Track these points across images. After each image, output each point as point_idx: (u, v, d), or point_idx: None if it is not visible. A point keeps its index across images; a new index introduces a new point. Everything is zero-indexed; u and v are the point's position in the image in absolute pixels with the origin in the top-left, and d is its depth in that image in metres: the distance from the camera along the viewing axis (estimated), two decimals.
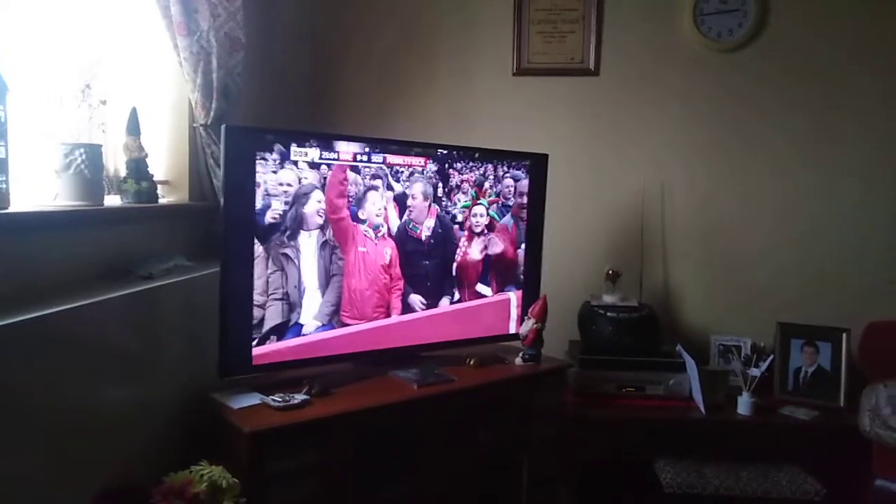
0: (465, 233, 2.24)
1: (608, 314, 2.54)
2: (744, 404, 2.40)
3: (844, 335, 2.51)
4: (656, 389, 2.47)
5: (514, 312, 2.39)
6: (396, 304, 2.10)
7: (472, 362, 2.18)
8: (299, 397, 1.74)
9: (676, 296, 2.81)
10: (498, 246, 2.31)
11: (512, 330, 2.38)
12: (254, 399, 1.75)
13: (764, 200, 2.75)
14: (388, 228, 2.07)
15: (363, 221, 2.01)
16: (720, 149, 2.76)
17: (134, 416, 1.55)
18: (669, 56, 2.74)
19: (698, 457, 2.41)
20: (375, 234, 2.03)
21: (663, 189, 2.78)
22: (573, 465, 2.38)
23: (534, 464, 2.19)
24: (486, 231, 2.28)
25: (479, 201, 2.23)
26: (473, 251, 2.26)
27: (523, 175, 2.37)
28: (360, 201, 1.99)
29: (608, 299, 2.60)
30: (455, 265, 2.23)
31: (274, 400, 1.71)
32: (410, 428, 1.89)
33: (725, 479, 2.30)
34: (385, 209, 2.05)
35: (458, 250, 2.23)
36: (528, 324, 2.25)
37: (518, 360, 2.24)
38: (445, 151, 2.18)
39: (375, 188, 2.02)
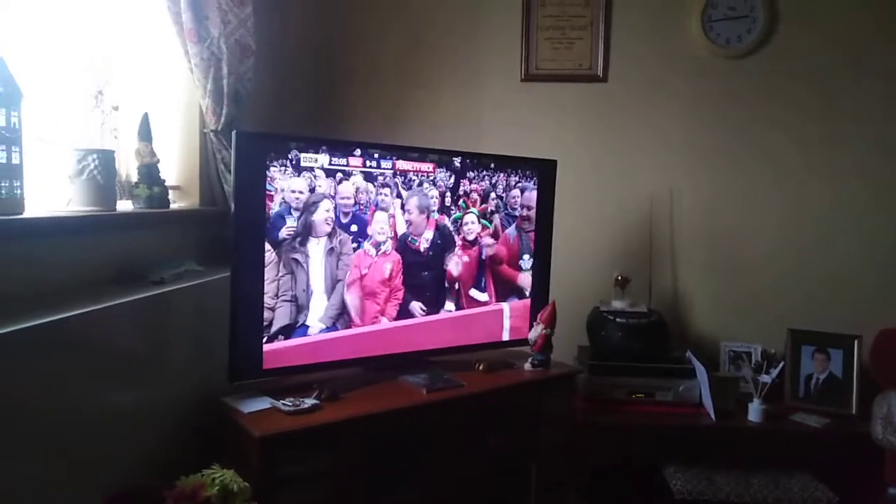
0: (460, 241, 2.24)
1: (617, 320, 2.53)
2: (754, 411, 2.38)
3: (856, 342, 2.50)
4: (666, 395, 2.46)
5: (507, 322, 2.37)
6: (392, 312, 2.11)
7: (480, 367, 2.18)
8: (309, 402, 1.75)
9: (686, 301, 2.81)
10: (493, 253, 2.30)
11: (505, 338, 2.37)
12: (264, 403, 1.75)
13: (773, 206, 2.75)
14: (395, 238, 2.07)
15: (368, 238, 2.02)
16: (728, 154, 2.76)
17: (145, 419, 1.56)
18: (677, 62, 2.74)
19: (708, 463, 2.40)
20: (377, 252, 2.04)
21: (672, 194, 2.77)
22: (583, 470, 2.37)
23: (543, 469, 2.18)
24: (479, 239, 2.27)
25: (469, 210, 2.23)
26: (467, 259, 2.25)
27: (531, 186, 2.37)
28: (365, 220, 2.00)
29: (617, 305, 2.60)
30: (449, 273, 2.23)
31: (284, 404, 1.72)
32: (420, 433, 1.89)
33: (736, 487, 2.28)
34: (393, 221, 2.07)
35: (453, 259, 2.23)
36: (538, 329, 2.24)
37: (527, 366, 2.24)
38: (458, 159, 2.19)
39: (383, 207, 2.04)
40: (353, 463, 1.74)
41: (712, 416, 2.38)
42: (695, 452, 2.43)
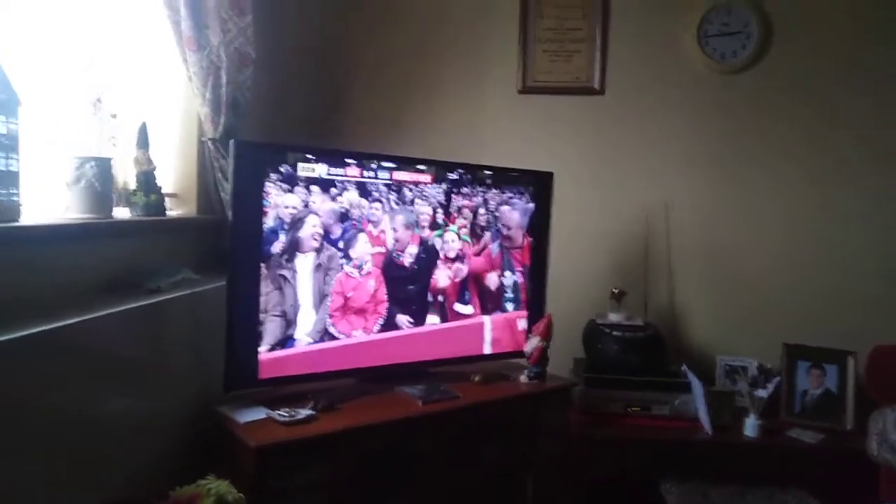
0: (442, 256, 2.23)
1: (613, 333, 2.53)
2: (750, 426, 2.38)
3: (851, 358, 2.50)
4: (662, 409, 2.46)
5: (489, 335, 2.36)
6: (377, 325, 2.10)
7: (476, 379, 2.18)
8: (305, 412, 1.74)
9: (682, 315, 2.81)
10: (473, 268, 2.30)
11: (486, 351, 2.36)
12: (259, 413, 1.74)
13: (769, 221, 2.76)
14: (383, 254, 2.08)
15: (350, 261, 2.01)
16: (724, 169, 2.77)
17: (140, 429, 1.54)
18: (674, 76, 2.76)
19: (704, 478, 2.39)
20: (360, 273, 2.04)
21: (668, 208, 2.78)
22: (578, 484, 2.36)
23: (539, 482, 2.17)
24: (460, 254, 2.27)
25: (449, 228, 2.23)
26: (450, 273, 2.25)
27: (518, 203, 2.37)
28: (349, 242, 2.00)
29: (613, 318, 2.60)
30: (433, 287, 2.22)
31: (280, 415, 1.71)
32: (415, 444, 1.88)
33: (731, 502, 2.27)
34: (382, 237, 2.07)
35: (435, 273, 2.22)
36: (533, 342, 2.24)
37: (523, 378, 2.23)
38: (455, 171, 2.21)
39: (374, 222, 2.04)
40: (349, 474, 1.72)
41: (708, 430, 2.37)
42: (690, 467, 2.42)
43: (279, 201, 1.84)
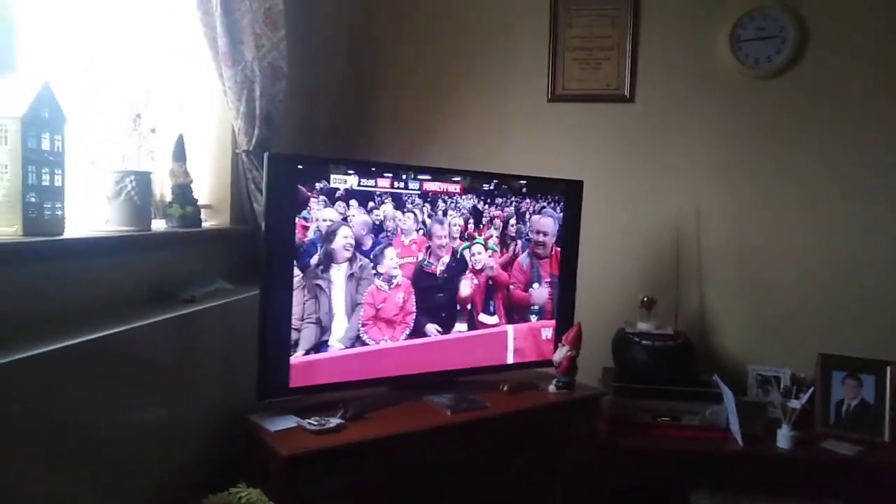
0: (470, 266, 2.24)
1: (643, 342, 2.51)
2: (783, 437, 2.35)
3: (889, 368, 2.45)
4: (692, 420, 2.43)
5: (511, 344, 2.36)
6: (405, 333, 2.11)
7: (505, 388, 2.18)
8: (334, 421, 1.76)
9: (713, 324, 2.78)
10: (501, 279, 2.31)
11: (509, 361, 2.35)
12: (290, 422, 1.77)
13: (802, 228, 2.71)
14: (413, 264, 2.09)
15: (380, 275, 2.04)
16: (756, 176, 2.73)
17: (169, 438, 1.58)
18: (706, 83, 2.73)
19: (736, 490, 2.36)
20: (389, 286, 2.06)
21: (699, 216, 2.75)
22: (606, 494, 2.35)
23: (566, 492, 2.17)
24: (488, 266, 2.27)
25: (476, 240, 2.24)
26: (477, 283, 2.25)
27: (550, 210, 2.37)
28: (378, 258, 2.02)
29: (643, 327, 2.58)
30: (460, 296, 2.23)
31: (310, 423, 1.73)
32: (444, 453, 1.89)
33: None
34: (413, 248, 2.09)
35: (464, 282, 2.23)
36: (563, 351, 2.24)
37: (552, 388, 2.23)
38: (488, 181, 2.23)
39: (406, 232, 2.06)
40: (378, 483, 1.75)
41: (740, 441, 2.35)
42: (722, 478, 2.39)
43: (315, 214, 1.88)
